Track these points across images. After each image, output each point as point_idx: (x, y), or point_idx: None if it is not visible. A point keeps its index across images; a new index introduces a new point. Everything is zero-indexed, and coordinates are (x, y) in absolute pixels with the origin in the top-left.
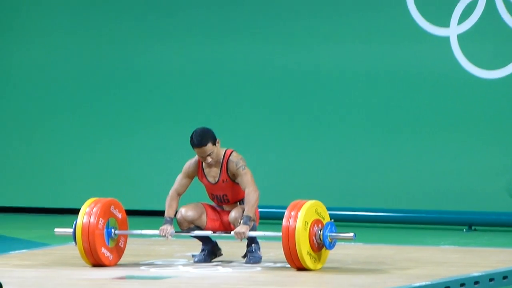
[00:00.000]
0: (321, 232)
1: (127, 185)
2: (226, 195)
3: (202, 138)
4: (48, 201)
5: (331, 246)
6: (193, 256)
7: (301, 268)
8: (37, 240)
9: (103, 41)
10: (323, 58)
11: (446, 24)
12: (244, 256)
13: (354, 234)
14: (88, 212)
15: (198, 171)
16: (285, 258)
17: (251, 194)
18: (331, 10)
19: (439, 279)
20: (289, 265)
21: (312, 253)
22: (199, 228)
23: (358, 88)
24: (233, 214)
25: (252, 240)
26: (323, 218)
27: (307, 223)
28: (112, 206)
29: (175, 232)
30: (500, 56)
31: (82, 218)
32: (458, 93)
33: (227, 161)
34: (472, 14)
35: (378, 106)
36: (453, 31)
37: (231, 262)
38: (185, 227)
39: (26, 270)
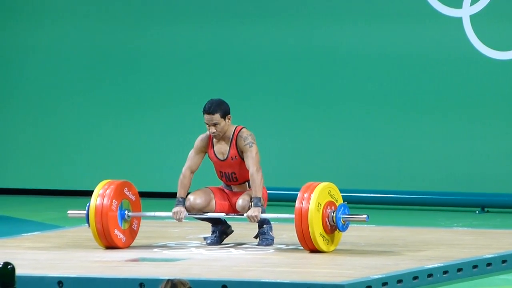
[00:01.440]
0: (334, 214)
1: (139, 167)
2: (235, 173)
3: (213, 106)
4: (61, 183)
5: (344, 228)
6: (204, 238)
7: (314, 250)
8: (50, 222)
9: (114, 23)
10: (335, 39)
11: (458, 5)
12: (256, 237)
13: (367, 216)
14: (101, 194)
15: (209, 146)
16: (297, 240)
17: (254, 175)
18: None
19: (452, 260)
20: (302, 247)
21: (325, 235)
22: (208, 212)
23: (370, 70)
24: (240, 202)
25: (263, 221)
26: (336, 200)
27: (320, 204)
28: (126, 188)
29: (188, 214)
30: None
31: (95, 200)
32: (470, 74)
33: (237, 137)
34: None
35: (390, 88)
36: (465, 12)
37: (243, 244)
38: (193, 214)
39: (39, 252)
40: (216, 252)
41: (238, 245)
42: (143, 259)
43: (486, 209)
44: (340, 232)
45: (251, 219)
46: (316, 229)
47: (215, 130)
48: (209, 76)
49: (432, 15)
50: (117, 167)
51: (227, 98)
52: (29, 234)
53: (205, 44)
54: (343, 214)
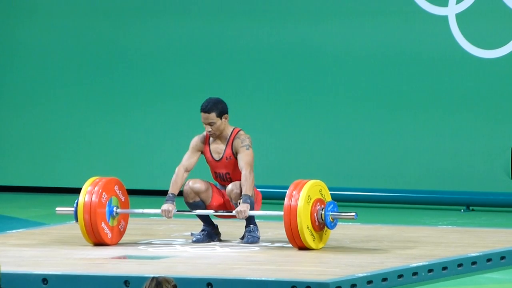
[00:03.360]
0: (323, 212)
1: (128, 165)
2: (229, 173)
3: (209, 105)
4: (46, 181)
5: (332, 225)
6: (192, 234)
7: (303, 247)
8: (35, 220)
9: (107, 19)
10: (321, 37)
11: (444, 3)
12: (242, 238)
13: (356, 213)
14: (89, 191)
15: (205, 145)
16: (283, 238)
17: (247, 175)
18: None
19: (437, 259)
20: (287, 245)
21: (314, 232)
22: (203, 204)
23: (356, 68)
24: (230, 186)
25: (250, 221)
26: (325, 197)
27: (310, 200)
28: (115, 185)
29: (177, 211)
30: (498, 36)
31: (84, 196)
32: (456, 72)
33: (234, 137)
34: None
35: (376, 86)
36: (451, 10)
37: (229, 242)
38: (190, 198)
39: (24, 250)
40: (202, 250)
41: (224, 243)
42: (128, 257)
43: (471, 208)
44: (328, 229)
45: (239, 214)
46: (305, 226)
47: (211, 129)
48: (201, 74)
49: (418, 13)
50: (104, 164)
51: (219, 96)
52: (13, 231)
53: (198, 43)
54: (331, 212)
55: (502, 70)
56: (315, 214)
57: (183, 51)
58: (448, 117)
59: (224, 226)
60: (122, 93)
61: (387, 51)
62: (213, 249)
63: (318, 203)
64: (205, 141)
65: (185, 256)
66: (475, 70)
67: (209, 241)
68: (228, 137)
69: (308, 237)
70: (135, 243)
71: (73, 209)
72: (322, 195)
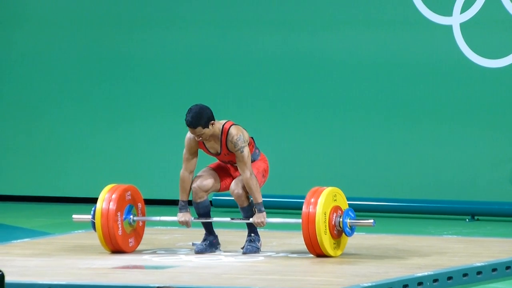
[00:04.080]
0: (341, 219)
1: (131, 174)
2: (231, 161)
3: (193, 120)
4: (51, 190)
5: (350, 232)
6: (193, 244)
7: (321, 254)
8: (40, 229)
9: (107, 29)
10: (329, 46)
11: (449, 12)
12: (243, 247)
13: (374, 221)
14: (107, 198)
15: (199, 144)
16: (287, 248)
17: (249, 181)
18: None
19: (442, 269)
20: (291, 255)
21: (332, 240)
22: (209, 204)
23: (361, 77)
24: (233, 185)
25: (252, 230)
26: (342, 205)
27: (328, 207)
28: (133, 193)
29: (194, 219)
30: (503, 45)
31: (101, 203)
32: (460, 82)
33: (226, 137)
34: (475, 3)
35: (380, 96)
36: (456, 19)
37: (233, 251)
38: (199, 198)
39: (28, 259)
40: (206, 260)
41: (228, 252)
42: (133, 267)
43: (476, 217)
44: (346, 236)
45: (257, 225)
46: (323, 233)
47: (201, 138)
48: (208, 84)
49: (422, 22)
50: (109, 174)
51: (223, 105)
52: (18, 241)
53: (203, 50)
54: (349, 219)
55: (507, 80)
56: (333, 221)
57: (192, 60)
58: (453, 126)
59: (228, 235)
60: (127, 103)
61: (392, 60)
62: (217, 259)
63: (336, 210)
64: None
65: (190, 265)
66: (479, 79)
67: (211, 251)
68: (220, 136)
69: (327, 244)
70: (139, 253)
71: (90, 216)
72: (339, 202)
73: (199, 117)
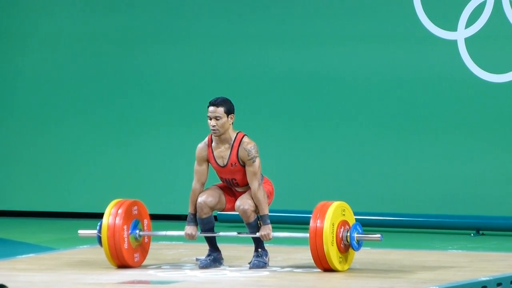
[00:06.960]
0: (348, 233)
1: (137, 189)
2: (235, 179)
3: (219, 100)
4: (56, 205)
5: (358, 247)
6: (197, 259)
7: (328, 269)
8: (44, 245)
9: (115, 45)
10: (334, 61)
11: (453, 27)
12: (250, 262)
13: (381, 235)
14: (113, 213)
15: (208, 152)
16: (293, 263)
17: (257, 193)
18: (338, 13)
19: (447, 283)
20: (296, 269)
21: (339, 254)
22: (213, 220)
23: (367, 91)
24: (238, 202)
25: (259, 245)
26: (350, 219)
27: (335, 221)
28: (138, 208)
29: (200, 233)
30: (508, 60)
31: (107, 218)
32: (466, 97)
33: (239, 146)
34: (480, 18)
35: (386, 110)
36: (460, 34)
37: (238, 266)
38: (204, 214)
39: (33, 275)
40: (211, 275)
41: (233, 267)
42: (138, 282)
43: (481, 232)
44: (353, 251)
45: (263, 237)
46: (330, 248)
47: (215, 124)
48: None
49: (427, 37)
50: (115, 189)
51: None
52: (23, 256)
53: (209, 66)
54: (357, 233)
55: None
56: (340, 235)
57: (195, 75)
58: (457, 140)
59: (234, 250)
60: (134, 119)
61: (398, 74)
62: (222, 274)
63: (344, 225)
64: (208, 147)
65: (195, 280)
66: (485, 94)
67: (215, 266)
68: (232, 141)
69: (334, 257)
70: (144, 268)
71: (95, 231)
72: (347, 217)
73: (225, 101)
